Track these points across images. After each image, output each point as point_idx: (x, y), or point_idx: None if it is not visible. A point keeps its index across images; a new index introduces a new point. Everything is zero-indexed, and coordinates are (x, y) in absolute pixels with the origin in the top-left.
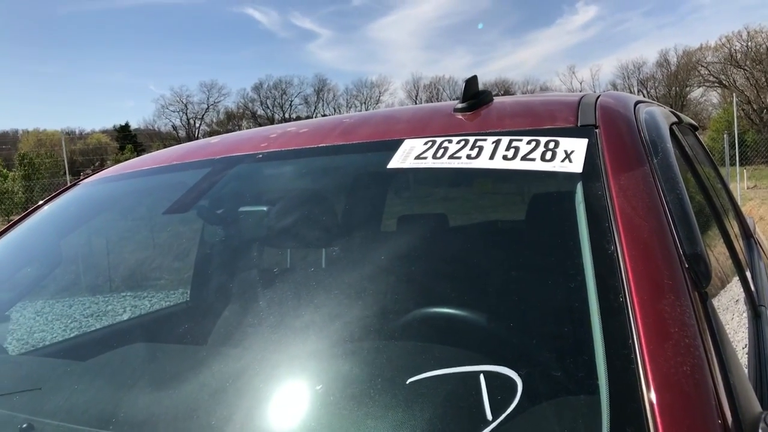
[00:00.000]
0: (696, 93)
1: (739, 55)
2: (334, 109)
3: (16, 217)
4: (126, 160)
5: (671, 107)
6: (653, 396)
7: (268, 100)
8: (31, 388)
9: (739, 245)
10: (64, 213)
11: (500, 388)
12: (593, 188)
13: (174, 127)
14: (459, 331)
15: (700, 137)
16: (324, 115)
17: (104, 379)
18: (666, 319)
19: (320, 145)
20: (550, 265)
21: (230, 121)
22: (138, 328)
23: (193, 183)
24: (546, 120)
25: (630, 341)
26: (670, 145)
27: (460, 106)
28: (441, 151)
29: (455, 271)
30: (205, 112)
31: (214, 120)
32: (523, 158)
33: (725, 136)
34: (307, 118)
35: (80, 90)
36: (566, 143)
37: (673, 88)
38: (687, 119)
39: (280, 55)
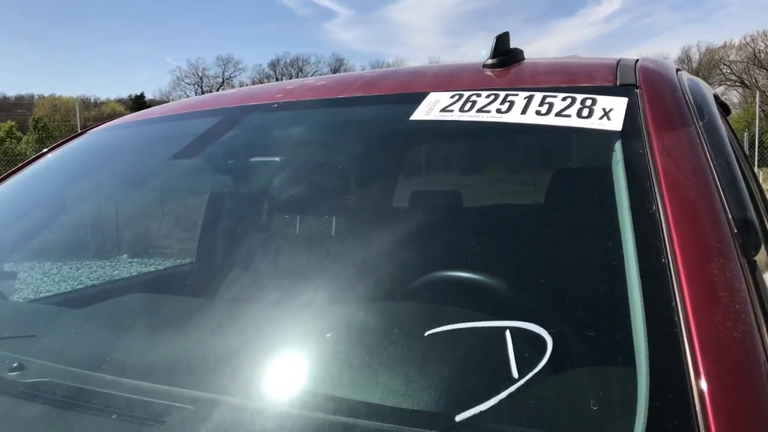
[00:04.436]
0: (717, 91)
1: (762, 55)
2: None
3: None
4: None
5: None
6: (699, 362)
7: (283, 78)
8: (26, 335)
9: None
10: (72, 159)
11: (528, 346)
12: (633, 147)
13: None
14: (486, 290)
15: None
16: None
17: (99, 325)
18: (715, 283)
19: (339, 97)
20: (584, 223)
21: None
22: (140, 282)
23: (203, 131)
24: (582, 79)
25: (673, 303)
26: (715, 109)
27: (489, 62)
28: (468, 105)
29: (486, 228)
30: (220, 86)
31: None
32: (558, 114)
33: (745, 134)
34: None
35: (97, 58)
36: (604, 101)
37: None
38: (721, 98)
39: (299, 32)
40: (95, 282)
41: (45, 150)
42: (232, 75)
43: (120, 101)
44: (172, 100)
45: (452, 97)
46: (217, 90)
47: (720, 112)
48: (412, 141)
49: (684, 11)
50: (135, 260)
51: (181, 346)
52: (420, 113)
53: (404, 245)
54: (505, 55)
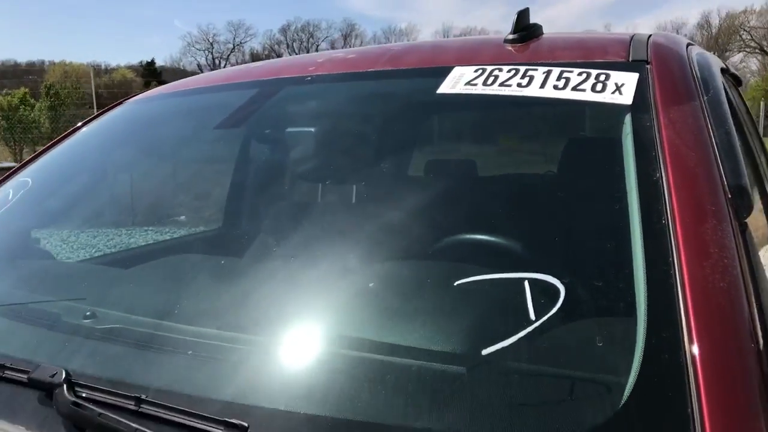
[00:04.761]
0: (735, 58)
1: None
2: None
3: (41, 148)
4: None
5: None
6: (690, 307)
7: (294, 43)
8: (77, 297)
9: None
10: (111, 130)
11: (544, 293)
12: (642, 120)
13: (199, 66)
14: (505, 249)
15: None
16: None
17: (151, 281)
18: (707, 241)
19: (369, 70)
20: (594, 188)
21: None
22: (177, 244)
23: (241, 103)
24: (597, 54)
25: (670, 258)
26: (720, 84)
27: (510, 37)
28: (491, 79)
29: (502, 193)
30: (231, 52)
31: (239, 60)
32: (574, 89)
33: (762, 104)
34: None
35: (106, 23)
36: (617, 76)
37: (713, 51)
38: (732, 70)
39: None
40: (135, 246)
41: (80, 124)
42: (242, 41)
43: (130, 67)
44: (183, 66)
45: (476, 71)
46: (228, 56)
47: (728, 84)
48: (441, 113)
49: None
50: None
51: (227, 297)
52: (446, 87)
53: (429, 210)
54: (525, 30)
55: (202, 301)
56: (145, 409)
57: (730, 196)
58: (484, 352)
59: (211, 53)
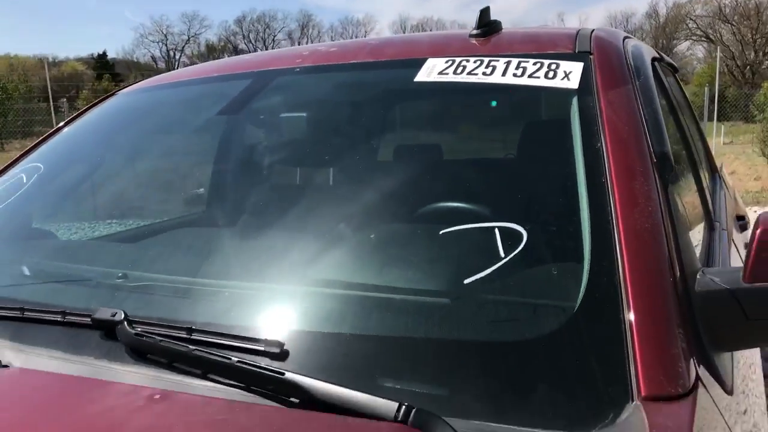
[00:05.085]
0: (682, 46)
1: (727, 10)
2: None
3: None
4: (103, 89)
5: None
6: (622, 242)
7: (250, 34)
8: (107, 266)
9: (704, 173)
10: (104, 122)
11: (511, 237)
12: (586, 101)
13: (153, 58)
14: (473, 212)
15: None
16: None
17: (161, 251)
18: (636, 194)
19: (352, 62)
20: (547, 156)
21: (211, 55)
22: (173, 224)
23: (239, 90)
24: (548, 47)
25: (608, 208)
26: (650, 72)
27: (474, 32)
28: (460, 69)
29: (472, 162)
30: (186, 43)
31: (195, 53)
32: (530, 76)
33: (706, 89)
34: None
35: (52, 15)
36: (566, 65)
37: (660, 40)
38: (668, 59)
39: None
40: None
41: (73, 116)
42: (197, 32)
43: (80, 60)
44: (137, 58)
45: (446, 62)
46: (182, 48)
47: (664, 71)
48: (419, 98)
49: None
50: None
51: (231, 259)
52: (422, 76)
53: (411, 180)
54: (486, 26)
55: (216, 260)
56: (197, 336)
57: (655, 160)
58: (466, 281)
59: (166, 45)
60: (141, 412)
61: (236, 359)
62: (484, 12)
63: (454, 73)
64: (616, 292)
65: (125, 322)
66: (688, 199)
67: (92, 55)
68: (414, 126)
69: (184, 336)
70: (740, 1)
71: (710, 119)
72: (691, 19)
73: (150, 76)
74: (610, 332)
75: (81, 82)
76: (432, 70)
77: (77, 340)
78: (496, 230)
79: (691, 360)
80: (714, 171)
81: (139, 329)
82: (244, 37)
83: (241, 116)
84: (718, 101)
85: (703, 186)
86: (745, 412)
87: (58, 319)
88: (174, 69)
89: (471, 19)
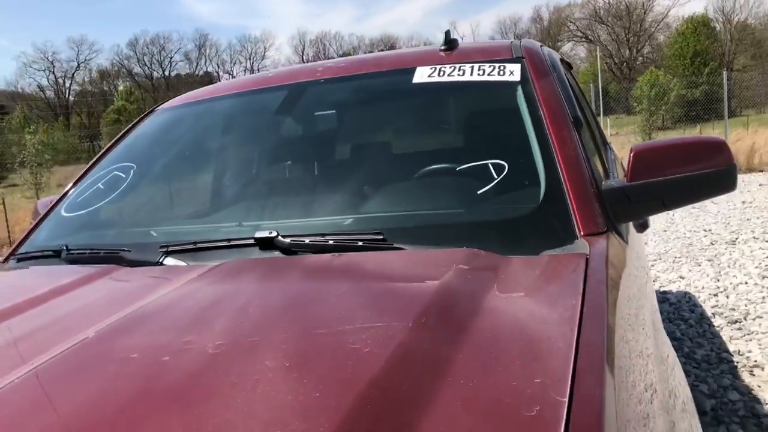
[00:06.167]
0: (566, 47)
1: (602, 12)
2: (218, 65)
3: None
4: None
5: None
6: (562, 167)
7: (145, 57)
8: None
9: (599, 137)
10: (148, 136)
11: (498, 168)
12: (527, 87)
13: (40, 87)
14: (475, 153)
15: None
16: (208, 72)
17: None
18: (566, 141)
19: (362, 72)
20: (509, 121)
21: (104, 80)
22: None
23: (282, 98)
24: (494, 55)
25: (551, 150)
26: (561, 67)
27: (443, 47)
28: (441, 73)
29: (464, 127)
30: (76, 70)
31: (86, 79)
32: (489, 75)
33: (591, 86)
34: (188, 75)
35: None
36: (509, 66)
37: (546, 42)
38: (566, 59)
39: (150, 8)
40: None
41: (122, 132)
42: (87, 57)
43: None
44: (22, 88)
45: (431, 69)
46: (72, 75)
47: (565, 68)
48: (419, 95)
49: None
50: None
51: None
52: (417, 78)
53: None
54: (450, 43)
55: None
56: (329, 238)
57: (572, 120)
58: (479, 192)
59: (53, 73)
60: (333, 260)
61: (360, 241)
62: (448, 32)
63: (439, 75)
64: (562, 191)
65: (279, 236)
66: (592, 146)
67: None
68: (415, 112)
69: (321, 240)
70: (613, 3)
71: (597, 114)
72: (571, 21)
73: (39, 106)
74: (562, 210)
75: None
76: (423, 75)
77: (243, 253)
78: (490, 165)
79: (604, 220)
80: (605, 142)
81: (288, 240)
82: (138, 60)
83: (292, 115)
84: (603, 97)
85: (599, 144)
86: (636, 255)
87: (224, 244)
88: (65, 97)
89: (367, 31)
